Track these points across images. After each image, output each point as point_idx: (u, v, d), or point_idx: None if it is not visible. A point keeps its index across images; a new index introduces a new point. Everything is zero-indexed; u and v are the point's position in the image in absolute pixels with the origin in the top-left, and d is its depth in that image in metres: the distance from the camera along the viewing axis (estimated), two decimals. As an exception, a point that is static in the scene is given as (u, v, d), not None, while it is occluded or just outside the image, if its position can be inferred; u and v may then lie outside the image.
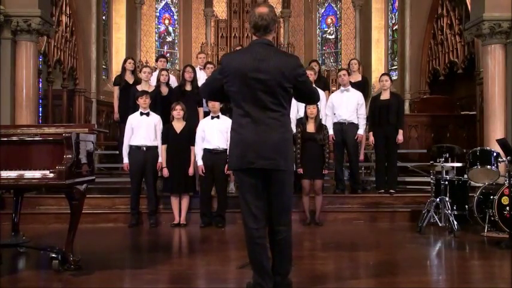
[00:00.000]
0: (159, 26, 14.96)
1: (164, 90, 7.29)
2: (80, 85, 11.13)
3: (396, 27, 13.08)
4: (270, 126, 3.17)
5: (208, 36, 15.02)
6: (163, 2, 15.04)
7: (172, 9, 15.24)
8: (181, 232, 6.20)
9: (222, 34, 14.64)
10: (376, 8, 13.63)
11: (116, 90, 7.83)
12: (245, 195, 3.26)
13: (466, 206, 6.25)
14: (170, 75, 7.86)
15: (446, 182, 6.14)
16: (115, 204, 6.89)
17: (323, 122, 6.82)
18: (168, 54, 14.70)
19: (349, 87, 7.24)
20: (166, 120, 6.63)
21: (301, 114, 6.54)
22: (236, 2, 14.75)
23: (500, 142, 5.58)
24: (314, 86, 6.90)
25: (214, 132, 6.32)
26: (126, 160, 6.47)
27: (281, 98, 3.19)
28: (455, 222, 5.77)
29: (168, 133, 6.41)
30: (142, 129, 6.38)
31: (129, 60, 7.92)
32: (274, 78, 3.14)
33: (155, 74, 7.64)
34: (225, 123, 6.34)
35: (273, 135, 3.17)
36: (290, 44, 14.60)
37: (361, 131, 7.12)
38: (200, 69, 7.93)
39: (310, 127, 6.32)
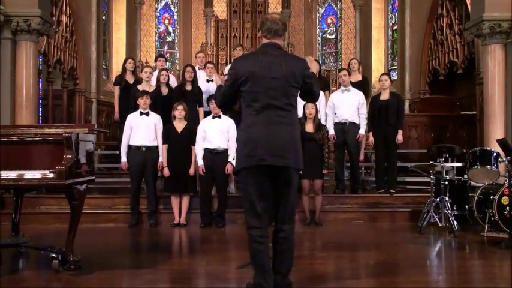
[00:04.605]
0: (159, 26, 14.97)
1: (164, 91, 7.28)
2: (80, 85, 11.14)
3: (396, 27, 13.09)
4: (280, 125, 3.24)
5: (208, 36, 15.03)
6: (163, 2, 15.05)
7: (172, 9, 15.25)
8: (181, 232, 6.20)
9: (222, 34, 14.66)
10: (376, 8, 13.65)
11: (116, 90, 7.82)
12: (250, 194, 3.27)
13: (466, 206, 6.24)
14: (170, 75, 7.86)
15: (446, 182, 6.14)
16: (115, 204, 6.88)
17: (323, 122, 6.83)
18: (168, 54, 14.71)
19: (350, 87, 7.24)
20: (167, 120, 6.62)
21: (300, 114, 6.53)
22: (236, 2, 14.77)
23: (500, 142, 5.58)
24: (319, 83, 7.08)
25: (215, 132, 6.32)
26: (124, 159, 6.48)
27: (291, 97, 3.29)
28: (455, 222, 5.77)
29: (169, 133, 6.41)
30: (142, 129, 6.38)
31: (129, 60, 7.91)
32: (286, 78, 3.24)
33: (155, 74, 7.63)
34: (226, 123, 6.35)
35: (282, 134, 3.24)
36: (290, 44, 14.60)
37: (361, 131, 7.11)
38: (199, 68, 7.92)
39: (309, 127, 6.32)
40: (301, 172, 6.02)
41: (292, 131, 3.31)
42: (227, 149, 6.32)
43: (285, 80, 3.24)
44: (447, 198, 5.99)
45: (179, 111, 6.39)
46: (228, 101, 3.49)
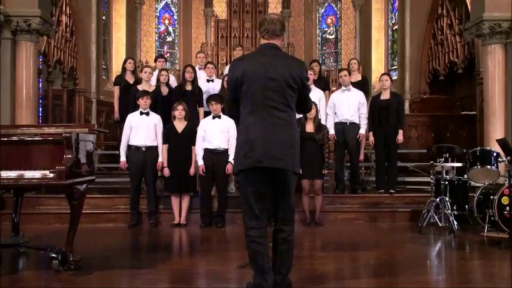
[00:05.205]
0: (159, 26, 14.97)
1: (164, 90, 7.29)
2: (80, 85, 11.13)
3: (396, 27, 13.09)
4: (278, 126, 3.21)
5: (208, 36, 15.03)
6: (163, 2, 15.04)
7: (172, 9, 15.24)
8: (181, 232, 6.20)
9: (222, 34, 14.66)
10: (376, 8, 13.65)
11: (116, 90, 7.82)
12: (248, 195, 3.26)
13: (466, 206, 6.24)
14: (170, 75, 7.85)
15: (446, 182, 6.14)
16: (115, 204, 6.88)
17: (324, 122, 6.83)
18: (168, 54, 14.71)
19: (351, 86, 7.24)
20: (167, 120, 6.62)
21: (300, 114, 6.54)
22: (236, 2, 14.77)
23: (500, 142, 5.58)
24: (313, 86, 7.10)
25: (215, 132, 6.32)
26: (123, 158, 6.48)
27: (289, 97, 3.25)
28: (455, 222, 5.77)
29: (169, 133, 6.41)
30: (142, 129, 6.37)
31: (129, 60, 7.91)
32: (283, 78, 3.21)
33: (155, 74, 7.63)
34: (226, 123, 6.34)
35: (280, 135, 3.21)
36: (290, 44, 14.60)
37: (362, 131, 7.11)
38: (200, 68, 7.93)
39: (309, 127, 6.31)
40: (301, 171, 6.11)
41: (291, 132, 3.27)
42: (227, 149, 6.32)
43: (283, 81, 3.20)
44: (447, 198, 5.99)
45: (179, 111, 6.39)
46: (235, 105, 3.40)
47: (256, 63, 3.24)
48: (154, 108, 6.70)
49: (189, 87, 7.19)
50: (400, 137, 7.03)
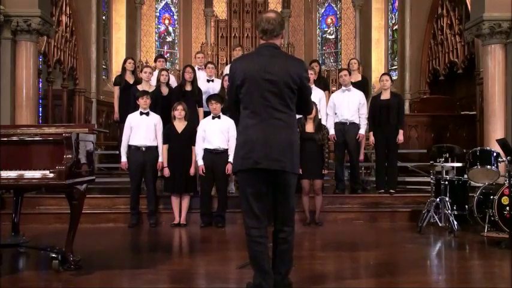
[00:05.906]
0: (159, 26, 14.97)
1: (164, 91, 7.29)
2: (80, 85, 11.12)
3: (396, 27, 13.09)
4: (277, 127, 3.20)
5: (208, 36, 15.03)
6: (163, 2, 15.05)
7: (172, 9, 15.25)
8: (181, 232, 6.21)
9: (222, 34, 14.66)
10: (376, 8, 13.65)
11: (116, 90, 7.82)
12: (248, 196, 3.26)
13: (466, 206, 6.24)
14: (170, 75, 7.86)
15: (446, 182, 6.14)
16: (115, 204, 6.88)
17: (324, 122, 6.83)
18: (168, 54, 14.71)
19: (351, 86, 7.24)
20: (167, 120, 6.63)
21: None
22: (236, 2, 14.77)
23: (500, 142, 5.58)
24: (313, 86, 7.10)
25: (215, 132, 6.32)
26: (124, 158, 6.49)
27: (288, 99, 3.23)
28: (455, 222, 5.78)
29: (169, 133, 6.41)
30: (142, 129, 6.37)
31: (129, 60, 7.91)
32: (282, 79, 3.18)
33: (155, 74, 7.63)
34: (226, 123, 6.35)
35: (279, 136, 3.20)
36: (290, 44, 14.60)
37: (362, 131, 7.11)
38: (199, 69, 7.92)
39: (309, 127, 6.32)
40: (300, 172, 6.10)
41: (290, 134, 3.25)
42: (227, 149, 6.32)
43: (282, 82, 3.18)
44: (447, 198, 5.99)
45: (179, 112, 6.39)
46: (235, 107, 3.38)
47: (256, 64, 3.22)
48: (154, 108, 6.70)
49: (188, 88, 7.19)
50: (400, 137, 7.03)
